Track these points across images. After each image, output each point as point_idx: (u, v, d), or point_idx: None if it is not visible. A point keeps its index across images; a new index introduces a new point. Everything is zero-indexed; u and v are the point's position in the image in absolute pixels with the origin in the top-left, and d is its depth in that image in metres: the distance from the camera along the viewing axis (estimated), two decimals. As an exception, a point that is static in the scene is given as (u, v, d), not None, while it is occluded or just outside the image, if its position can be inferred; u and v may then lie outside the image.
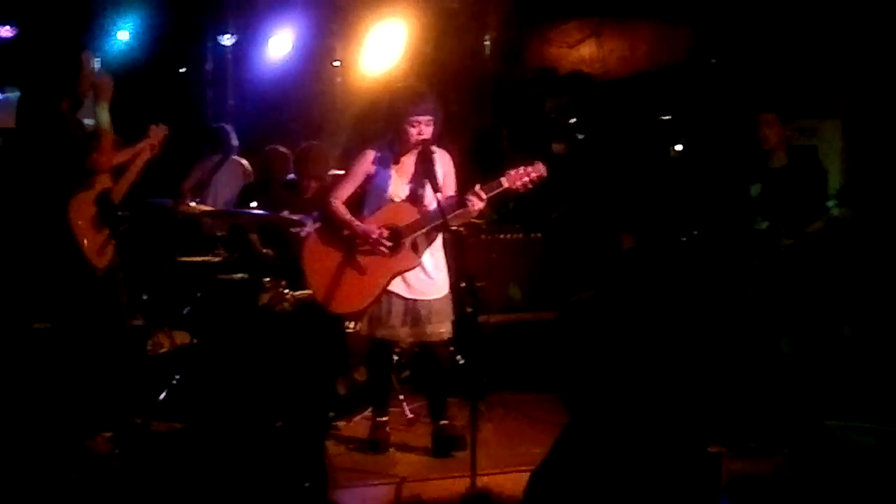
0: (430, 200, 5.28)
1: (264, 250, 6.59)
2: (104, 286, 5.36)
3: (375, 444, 5.54)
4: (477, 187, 5.20)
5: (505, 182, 5.21)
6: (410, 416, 5.98)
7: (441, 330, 5.40)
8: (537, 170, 5.24)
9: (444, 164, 5.42)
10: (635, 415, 2.45)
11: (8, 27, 8.76)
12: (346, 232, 5.37)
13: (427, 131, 5.29)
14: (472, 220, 5.58)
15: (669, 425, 2.47)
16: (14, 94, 7.43)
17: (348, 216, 5.39)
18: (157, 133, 5.76)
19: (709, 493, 2.50)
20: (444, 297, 5.43)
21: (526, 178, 5.22)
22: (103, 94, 5.35)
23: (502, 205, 7.08)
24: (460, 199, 5.24)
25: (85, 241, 5.26)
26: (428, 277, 5.39)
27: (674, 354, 6.36)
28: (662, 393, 2.73)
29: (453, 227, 5.28)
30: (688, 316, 6.77)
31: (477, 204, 5.18)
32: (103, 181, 5.43)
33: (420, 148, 5.29)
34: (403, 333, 5.41)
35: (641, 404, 2.47)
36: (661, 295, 7.17)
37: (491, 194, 5.21)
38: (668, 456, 2.41)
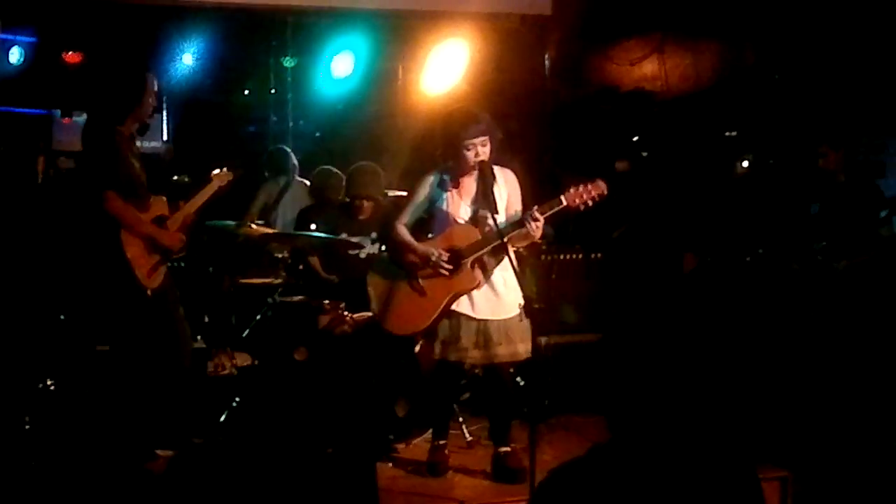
0: (493, 221, 5.20)
1: (328, 276, 6.59)
2: (155, 307, 5.39)
3: (434, 466, 5.47)
4: (534, 208, 5.11)
5: (564, 200, 5.08)
6: (470, 438, 5.93)
7: (515, 350, 5.27)
8: (598, 188, 5.10)
9: (507, 184, 5.35)
10: (685, 438, 2.38)
11: (76, 53, 8.96)
12: (408, 255, 5.36)
13: (483, 152, 5.21)
14: (534, 241, 5.47)
15: (718, 448, 2.40)
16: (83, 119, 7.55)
17: (410, 240, 5.38)
18: (222, 178, 5.77)
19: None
20: (517, 315, 5.27)
21: (586, 197, 5.09)
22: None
23: (563, 227, 6.98)
24: (520, 220, 5.16)
25: (135, 263, 5.28)
26: (496, 297, 5.29)
27: (736, 373, 6.27)
28: (717, 417, 2.67)
29: (515, 249, 5.22)
30: (750, 337, 6.67)
31: (535, 225, 5.09)
32: (159, 207, 5.48)
33: (479, 169, 5.26)
34: (475, 355, 5.30)
35: (693, 428, 2.41)
36: (725, 316, 7.08)
37: (548, 213, 5.09)
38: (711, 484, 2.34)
